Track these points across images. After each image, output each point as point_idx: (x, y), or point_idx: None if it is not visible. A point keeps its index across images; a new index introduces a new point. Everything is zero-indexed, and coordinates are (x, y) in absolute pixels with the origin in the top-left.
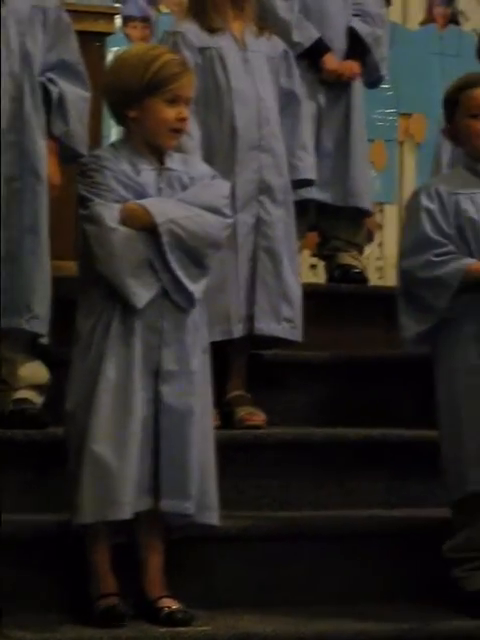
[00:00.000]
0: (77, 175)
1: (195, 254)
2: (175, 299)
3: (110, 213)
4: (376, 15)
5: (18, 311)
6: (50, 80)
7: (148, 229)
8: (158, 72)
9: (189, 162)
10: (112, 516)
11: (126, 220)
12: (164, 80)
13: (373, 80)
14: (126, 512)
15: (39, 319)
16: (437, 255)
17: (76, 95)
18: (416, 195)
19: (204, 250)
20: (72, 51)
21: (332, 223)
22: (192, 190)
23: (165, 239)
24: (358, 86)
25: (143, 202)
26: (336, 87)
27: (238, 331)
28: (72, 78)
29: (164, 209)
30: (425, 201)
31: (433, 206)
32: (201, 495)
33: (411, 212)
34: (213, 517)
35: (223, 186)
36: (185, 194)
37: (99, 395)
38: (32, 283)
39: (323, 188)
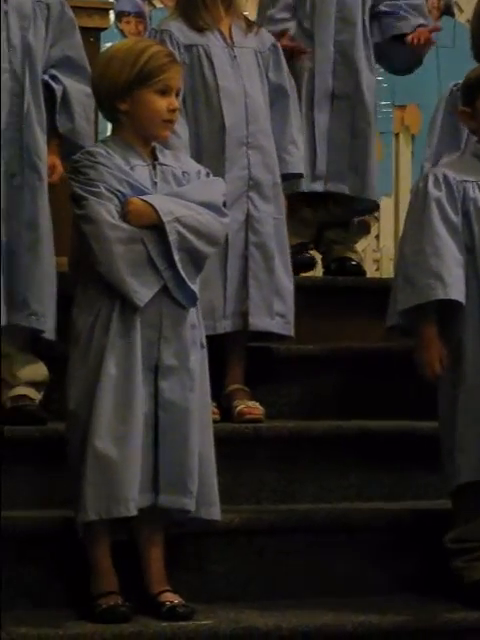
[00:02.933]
0: (69, 173)
1: (197, 253)
2: (177, 297)
3: (107, 211)
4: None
5: (15, 308)
6: (53, 77)
7: (152, 226)
8: (147, 63)
9: (180, 158)
10: (117, 513)
11: (130, 217)
12: (154, 71)
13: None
14: (131, 509)
15: (37, 316)
16: (434, 251)
17: (80, 91)
18: (424, 180)
19: (207, 249)
20: (76, 47)
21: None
22: (192, 186)
23: (171, 237)
24: (369, 74)
25: (147, 199)
26: (350, 76)
27: (222, 327)
28: (76, 74)
29: (169, 207)
30: (432, 187)
31: (440, 193)
32: (201, 490)
33: (418, 197)
34: (214, 512)
35: (221, 183)
36: (185, 189)
37: (101, 392)
38: (30, 280)
39: (339, 179)
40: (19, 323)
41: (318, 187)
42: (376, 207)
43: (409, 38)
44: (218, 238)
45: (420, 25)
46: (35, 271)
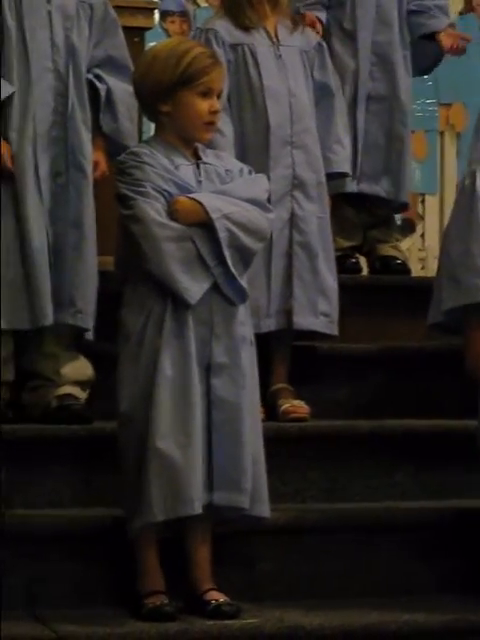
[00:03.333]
0: (115, 174)
1: (246, 250)
2: (227, 294)
3: (155, 210)
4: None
5: (62, 306)
6: (97, 77)
7: (200, 224)
8: (190, 65)
9: (222, 157)
10: (183, 512)
11: (178, 214)
12: (196, 73)
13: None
14: (197, 508)
15: (83, 314)
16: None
17: (124, 91)
18: (471, 177)
19: (255, 245)
20: (119, 47)
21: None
22: (236, 183)
23: (221, 235)
24: (405, 75)
25: (194, 196)
26: (387, 77)
27: (266, 325)
28: (120, 74)
29: (216, 204)
30: None
31: None
32: (253, 488)
33: (464, 195)
34: (264, 510)
35: (264, 180)
36: (230, 187)
37: (159, 392)
38: (75, 278)
39: (372, 181)
40: (66, 321)
41: (352, 187)
42: (406, 207)
43: (446, 43)
44: (265, 234)
45: (449, 25)
46: (80, 269)
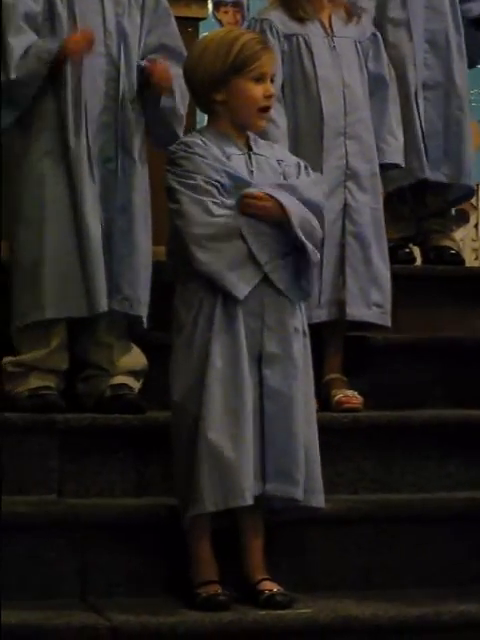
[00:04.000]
0: (166, 165)
1: (308, 257)
2: (291, 296)
3: (203, 207)
4: None
5: (109, 293)
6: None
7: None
8: (241, 52)
9: (275, 148)
10: (234, 503)
11: (254, 209)
12: (248, 58)
13: None
14: (248, 498)
15: (131, 301)
16: None
17: (179, 76)
18: None
19: (314, 257)
20: (173, 35)
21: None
22: (305, 182)
23: (303, 239)
24: (460, 61)
25: (275, 194)
26: (441, 64)
27: (317, 316)
28: (174, 61)
29: (294, 207)
30: None
31: None
32: (307, 478)
33: None
34: (319, 500)
35: (323, 182)
36: (299, 184)
37: (209, 384)
38: (123, 265)
39: (435, 167)
40: (113, 308)
41: (420, 175)
42: (472, 193)
43: None
44: (319, 242)
45: None
46: (129, 256)
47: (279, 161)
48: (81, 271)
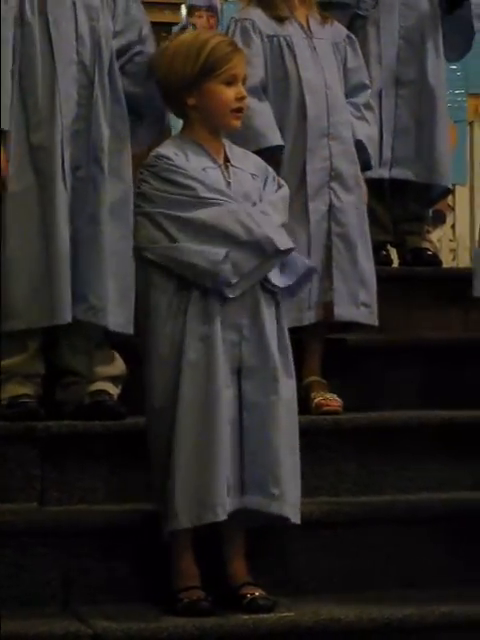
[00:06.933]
0: (140, 172)
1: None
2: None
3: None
4: None
5: (75, 302)
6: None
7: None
8: (211, 54)
9: (249, 156)
10: (208, 519)
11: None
12: (218, 61)
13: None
14: (221, 514)
15: (96, 310)
16: None
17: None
18: None
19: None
20: (144, 40)
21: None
22: (275, 205)
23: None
24: (436, 59)
25: (270, 234)
26: (416, 61)
27: (308, 318)
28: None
29: (278, 236)
30: None
31: None
32: (285, 490)
33: None
34: (293, 513)
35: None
36: (269, 210)
37: (183, 398)
38: (89, 274)
39: (403, 166)
40: (77, 317)
41: (383, 173)
42: (446, 193)
43: None
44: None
45: None
46: (95, 266)
47: (253, 175)
48: (48, 280)
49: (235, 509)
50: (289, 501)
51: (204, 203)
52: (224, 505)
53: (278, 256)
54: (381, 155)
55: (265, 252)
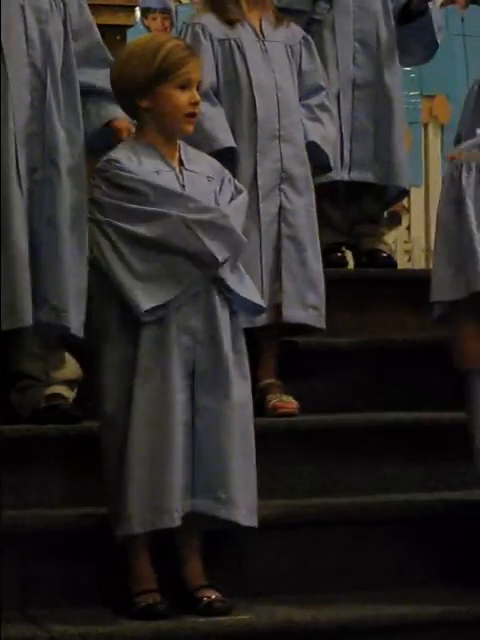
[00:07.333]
0: (92, 178)
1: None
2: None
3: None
4: None
5: (37, 304)
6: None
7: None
8: (166, 58)
9: (204, 158)
10: (161, 524)
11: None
12: (173, 65)
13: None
14: (176, 519)
15: (59, 311)
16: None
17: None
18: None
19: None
20: (99, 44)
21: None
22: (235, 211)
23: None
24: (391, 62)
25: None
26: (371, 64)
27: (260, 320)
28: (100, 67)
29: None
30: None
31: None
32: (232, 494)
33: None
34: (243, 516)
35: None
36: (231, 216)
37: (136, 404)
38: (50, 276)
39: (362, 168)
40: (41, 319)
41: (343, 175)
42: (404, 195)
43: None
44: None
45: None
46: (55, 267)
47: (209, 178)
48: (7, 284)
49: (186, 512)
50: (239, 505)
51: (152, 214)
52: (179, 510)
53: (217, 266)
54: (341, 157)
55: (205, 263)
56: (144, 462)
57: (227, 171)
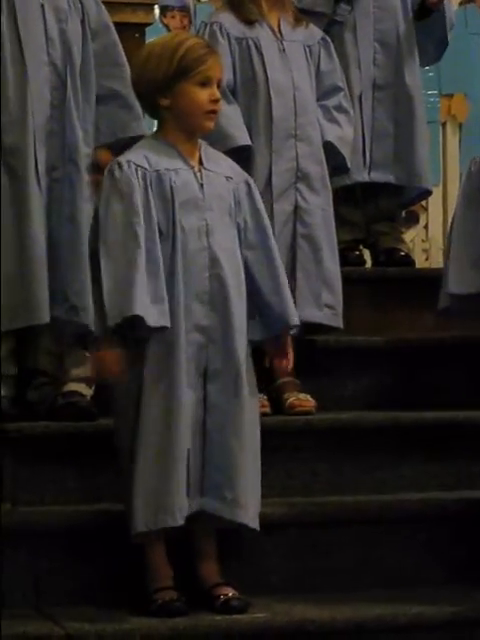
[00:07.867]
0: (105, 177)
1: None
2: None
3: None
4: None
5: (56, 302)
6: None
7: None
8: (185, 56)
9: (225, 161)
10: (164, 524)
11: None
12: (192, 63)
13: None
14: (178, 519)
15: (78, 309)
16: None
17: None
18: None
19: None
20: (115, 44)
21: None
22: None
23: None
24: (412, 62)
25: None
26: (391, 64)
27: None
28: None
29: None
30: None
31: None
32: (238, 495)
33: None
34: (247, 517)
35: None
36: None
37: (145, 403)
38: (70, 274)
39: (383, 169)
40: (60, 317)
41: (363, 176)
42: (426, 195)
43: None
44: None
45: None
46: (75, 265)
47: (228, 178)
48: (23, 281)
49: (195, 511)
50: (244, 506)
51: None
52: (183, 510)
53: None
54: (363, 158)
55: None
56: (152, 461)
57: (249, 177)
